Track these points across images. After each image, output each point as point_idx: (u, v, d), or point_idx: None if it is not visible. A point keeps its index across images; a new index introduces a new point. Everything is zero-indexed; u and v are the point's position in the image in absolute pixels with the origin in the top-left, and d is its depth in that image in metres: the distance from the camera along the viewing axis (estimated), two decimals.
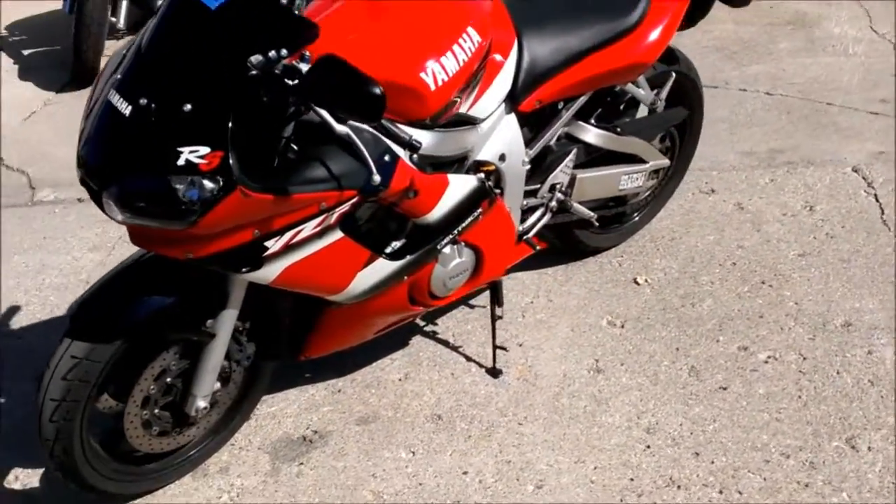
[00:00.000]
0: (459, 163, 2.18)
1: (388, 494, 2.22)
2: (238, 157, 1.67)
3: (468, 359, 2.62)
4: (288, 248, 1.87)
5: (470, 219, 2.19)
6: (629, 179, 2.74)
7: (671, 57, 2.72)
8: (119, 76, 1.73)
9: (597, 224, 2.79)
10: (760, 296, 2.80)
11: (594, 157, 2.61)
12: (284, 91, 1.65)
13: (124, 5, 4.59)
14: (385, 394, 2.53)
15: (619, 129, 2.61)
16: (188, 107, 1.64)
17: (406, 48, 1.95)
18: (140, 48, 1.75)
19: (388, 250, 2.09)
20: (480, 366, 2.58)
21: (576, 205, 2.62)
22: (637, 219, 3.04)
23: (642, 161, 2.75)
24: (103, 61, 3.74)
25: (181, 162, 1.63)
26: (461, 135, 2.13)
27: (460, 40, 1.99)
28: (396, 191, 1.96)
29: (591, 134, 2.55)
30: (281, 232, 1.83)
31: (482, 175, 2.23)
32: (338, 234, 1.93)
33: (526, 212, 2.53)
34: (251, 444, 2.39)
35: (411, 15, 2.01)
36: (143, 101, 1.66)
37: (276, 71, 1.64)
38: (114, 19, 4.55)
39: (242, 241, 1.79)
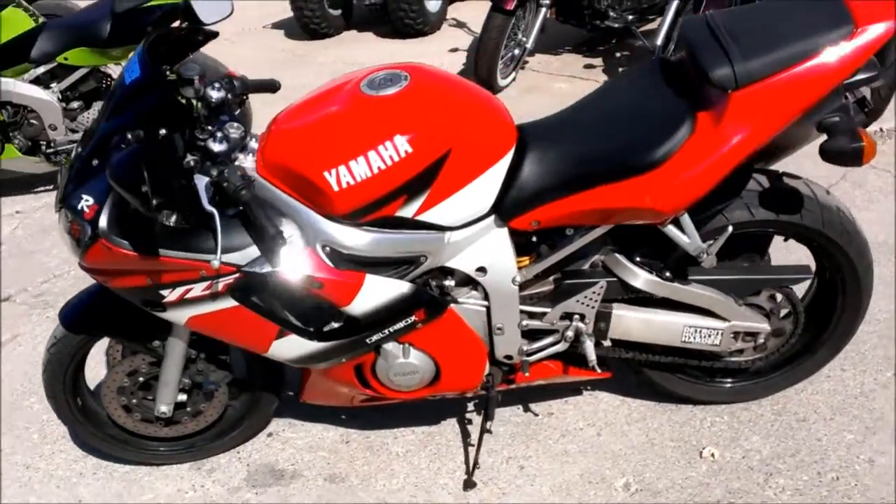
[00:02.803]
0: (411, 265, 2.08)
1: None
2: (115, 214, 1.92)
3: (464, 461, 2.47)
4: (185, 302, 2.04)
5: (402, 323, 2.10)
6: (696, 334, 2.26)
7: (790, 204, 2.15)
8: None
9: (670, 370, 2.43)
10: None
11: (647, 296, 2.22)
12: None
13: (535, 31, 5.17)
14: (372, 461, 2.52)
15: (666, 273, 2.18)
16: (95, 162, 1.93)
17: (323, 144, 1.95)
18: None
19: (306, 330, 2.11)
20: (468, 473, 2.42)
21: (611, 341, 2.29)
22: (755, 384, 2.49)
23: (717, 316, 2.25)
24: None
25: (80, 206, 1.95)
26: (408, 238, 2.03)
27: (380, 148, 1.91)
28: (292, 277, 2.00)
29: (627, 271, 2.18)
30: (171, 286, 2.02)
31: (424, 283, 2.12)
32: (231, 302, 2.04)
33: (539, 333, 2.29)
34: (247, 457, 2.60)
35: (354, 113, 1.98)
36: (80, 150, 2.00)
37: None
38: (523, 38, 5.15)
39: (138, 284, 2.03)
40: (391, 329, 2.11)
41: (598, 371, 2.32)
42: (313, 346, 2.12)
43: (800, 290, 2.36)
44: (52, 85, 4.37)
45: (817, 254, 2.31)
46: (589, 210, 2.03)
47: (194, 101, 1.94)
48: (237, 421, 2.58)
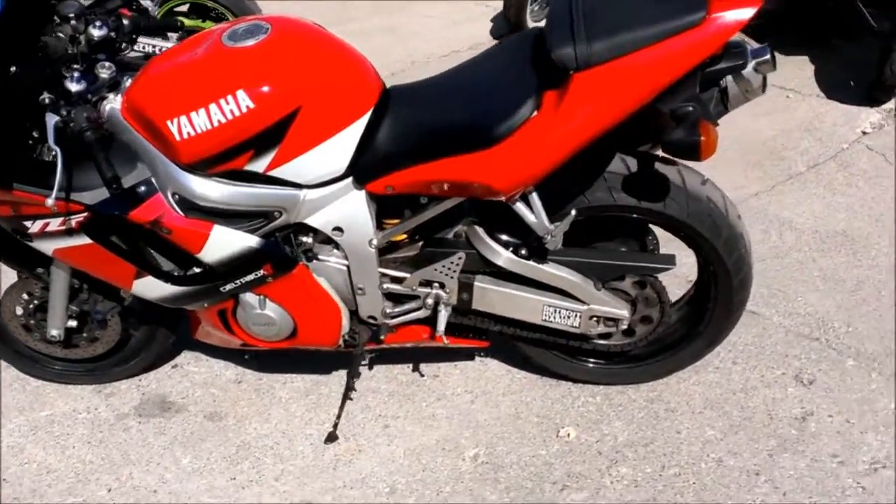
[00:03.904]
0: (266, 219, 2.10)
1: (129, 488, 2.36)
2: None
3: (337, 414, 2.50)
4: (47, 234, 2.12)
5: (252, 275, 2.14)
6: (555, 313, 2.23)
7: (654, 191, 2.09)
8: None
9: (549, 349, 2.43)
10: None
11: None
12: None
13: None
14: (255, 403, 2.59)
15: (522, 251, 2.15)
16: None
17: (170, 93, 1.97)
18: None
19: (160, 273, 2.16)
20: (333, 426, 2.46)
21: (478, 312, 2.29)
22: (631, 368, 2.46)
23: (577, 299, 2.21)
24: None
25: None
26: (260, 192, 2.05)
27: (221, 101, 1.91)
28: (141, 221, 2.05)
29: (484, 244, 2.16)
30: (32, 218, 2.10)
31: (285, 238, 2.14)
32: (86, 239, 2.10)
33: (403, 297, 2.30)
34: (145, 386, 2.70)
35: (206, 64, 1.98)
36: None
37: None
38: None
39: (5, 213, 2.12)
40: (242, 280, 2.15)
41: (470, 339, 2.35)
42: (171, 288, 2.18)
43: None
44: None
45: (688, 244, 2.23)
46: (434, 180, 2.01)
47: (78, 38, 1.98)
48: (136, 350, 2.67)
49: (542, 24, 1.98)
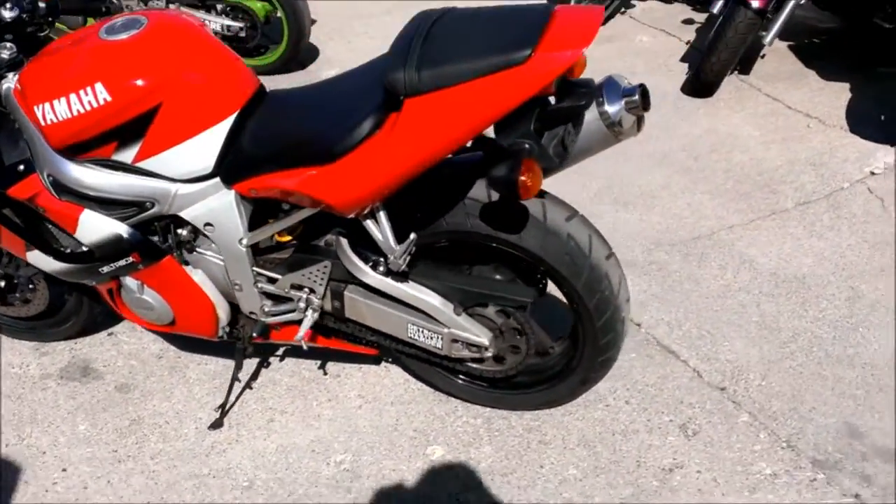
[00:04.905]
0: (139, 208, 2.17)
1: (23, 447, 2.49)
2: None
3: (223, 402, 2.56)
4: None
5: (123, 261, 2.22)
6: (419, 332, 2.22)
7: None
8: None
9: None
10: None
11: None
12: None
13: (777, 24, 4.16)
14: (165, 380, 2.69)
15: (380, 268, 2.15)
16: None
17: (43, 79, 2.06)
18: None
19: (46, 247, 2.28)
20: (221, 413, 2.54)
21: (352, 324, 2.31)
22: (512, 395, 2.42)
23: (438, 320, 2.20)
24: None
25: None
26: (129, 182, 2.13)
27: (80, 92, 1.99)
28: (19, 198, 2.17)
29: (346, 256, 2.16)
30: None
31: (164, 228, 2.22)
32: None
33: (279, 298, 2.34)
34: (78, 350, 2.84)
35: (79, 55, 2.06)
36: None
37: None
38: (762, 33, 4.18)
39: None
40: (115, 265, 2.23)
41: (357, 346, 2.41)
42: (56, 263, 2.29)
43: None
44: None
45: (550, 279, 2.17)
46: (286, 189, 2.03)
47: None
48: (68, 315, 2.82)
49: None
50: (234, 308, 2.40)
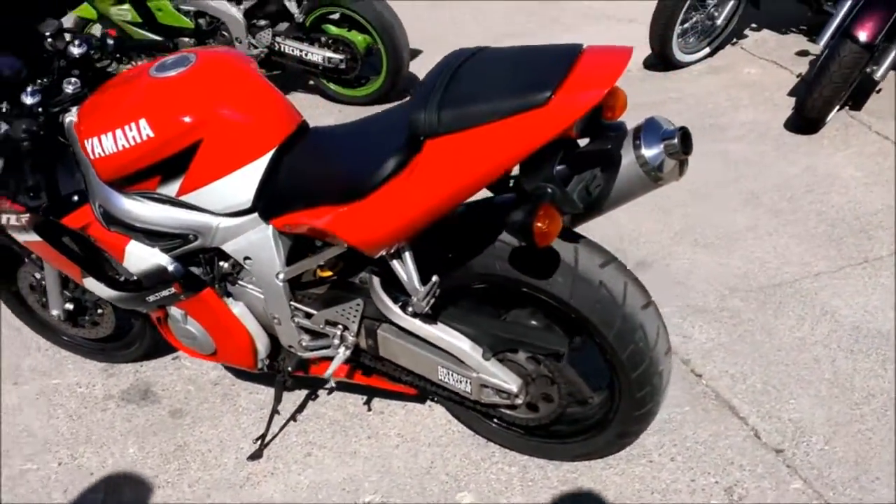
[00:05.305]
0: (183, 240, 2.22)
1: (75, 467, 2.58)
2: None
3: (263, 434, 2.57)
4: (12, 227, 2.38)
5: (166, 291, 2.27)
6: (449, 375, 2.17)
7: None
8: None
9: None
10: None
11: None
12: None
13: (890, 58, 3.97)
14: (216, 408, 2.73)
15: (409, 308, 2.10)
16: None
17: (95, 115, 2.13)
18: None
19: (96, 275, 2.35)
20: (261, 445, 2.54)
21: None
22: (551, 444, 2.34)
23: (464, 364, 2.13)
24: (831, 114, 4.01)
25: None
26: (172, 215, 2.17)
27: (125, 128, 2.04)
28: (72, 227, 2.26)
29: (376, 294, 2.13)
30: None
31: (209, 260, 2.25)
32: (36, 236, 2.34)
33: (317, 333, 2.33)
34: (142, 373, 2.92)
35: (128, 92, 2.12)
36: None
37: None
38: (873, 68, 3.98)
39: None
40: (160, 295, 2.28)
41: (398, 385, 2.35)
42: (108, 291, 2.35)
43: None
44: (242, 2, 4.86)
45: (581, 328, 2.07)
46: (314, 227, 2.02)
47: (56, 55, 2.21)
48: (136, 338, 2.90)
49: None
50: (276, 341, 2.40)
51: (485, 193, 1.93)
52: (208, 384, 2.83)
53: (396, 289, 2.12)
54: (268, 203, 2.09)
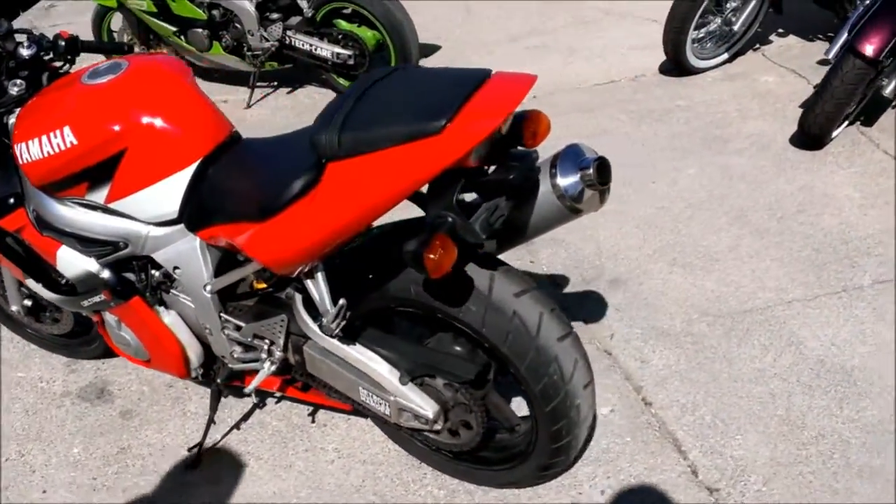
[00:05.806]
0: (114, 248, 2.21)
1: (20, 464, 2.60)
2: None
3: (200, 441, 2.55)
4: None
5: (97, 297, 2.27)
6: (369, 397, 2.13)
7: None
8: None
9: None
10: None
11: None
12: None
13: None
14: (165, 411, 2.73)
15: (326, 327, 2.06)
16: None
17: (25, 119, 2.14)
18: None
19: (36, 275, 2.37)
20: (198, 452, 2.54)
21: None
22: (458, 469, 2.32)
23: (382, 387, 2.10)
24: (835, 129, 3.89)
25: None
26: (101, 222, 2.18)
27: (50, 135, 2.04)
28: (9, 230, 2.27)
29: (298, 313, 2.11)
30: None
31: (135, 266, 2.26)
32: None
33: (247, 347, 2.31)
34: (103, 371, 2.93)
35: (59, 98, 2.12)
36: None
37: None
38: (883, 83, 3.87)
39: None
40: (92, 300, 2.28)
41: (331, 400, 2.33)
42: (47, 292, 2.37)
43: None
44: None
45: (493, 358, 2.02)
46: (230, 242, 2.00)
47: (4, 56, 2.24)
48: (96, 336, 2.92)
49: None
50: (210, 350, 2.39)
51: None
52: (162, 386, 2.83)
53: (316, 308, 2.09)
54: (192, 214, 2.08)
